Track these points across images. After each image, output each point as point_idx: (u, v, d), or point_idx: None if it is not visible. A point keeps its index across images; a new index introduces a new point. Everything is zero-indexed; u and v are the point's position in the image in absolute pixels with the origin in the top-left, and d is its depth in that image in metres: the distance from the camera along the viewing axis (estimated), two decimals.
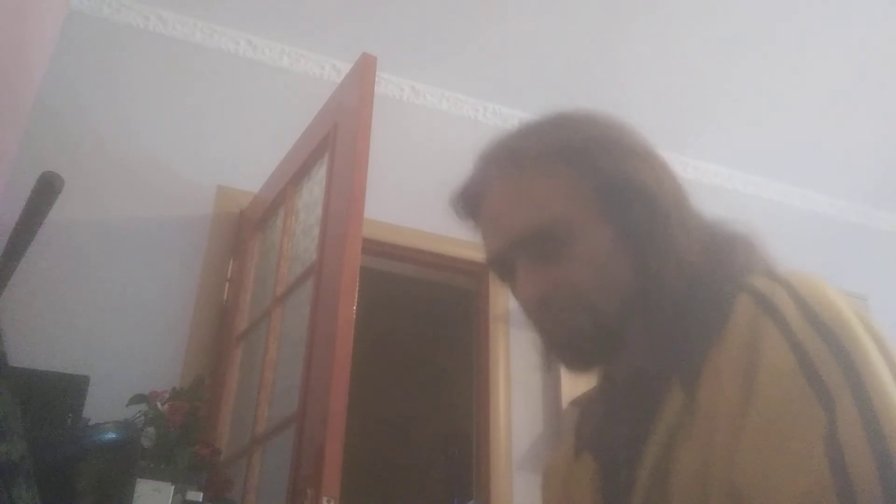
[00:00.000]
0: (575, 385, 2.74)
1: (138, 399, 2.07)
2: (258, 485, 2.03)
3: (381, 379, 4.56)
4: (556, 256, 0.75)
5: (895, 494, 0.52)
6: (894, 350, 0.62)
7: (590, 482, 0.81)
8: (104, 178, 2.59)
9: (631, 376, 0.78)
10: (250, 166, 2.72)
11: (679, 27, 2.93)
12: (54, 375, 2.09)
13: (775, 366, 0.61)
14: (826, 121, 3.38)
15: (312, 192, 2.23)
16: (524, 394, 2.87)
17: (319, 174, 2.19)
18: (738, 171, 3.71)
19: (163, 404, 2.05)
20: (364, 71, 2.04)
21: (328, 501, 1.53)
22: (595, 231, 0.75)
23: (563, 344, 0.77)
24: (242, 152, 2.81)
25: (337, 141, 2.07)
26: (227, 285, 2.60)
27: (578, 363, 0.78)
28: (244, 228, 2.67)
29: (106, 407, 2.03)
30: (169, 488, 1.85)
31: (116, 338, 2.37)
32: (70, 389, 2.08)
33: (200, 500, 1.89)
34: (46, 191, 1.01)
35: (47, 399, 2.03)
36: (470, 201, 0.83)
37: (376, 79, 2.06)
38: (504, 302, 2.92)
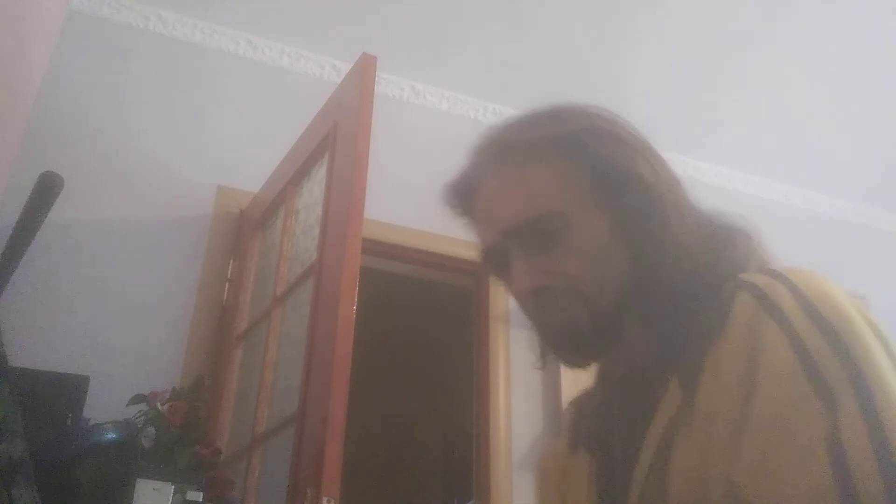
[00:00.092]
0: (575, 385, 2.71)
1: (138, 399, 2.07)
2: (258, 485, 2.03)
3: (381, 379, 4.56)
4: (551, 247, 0.74)
5: None
6: None
7: (586, 478, 0.80)
8: (104, 178, 2.59)
9: (629, 373, 0.77)
10: (250, 166, 2.72)
11: (679, 28, 2.93)
12: (54, 375, 2.09)
13: (776, 364, 0.60)
14: (826, 121, 3.38)
15: (312, 192, 2.23)
16: (524, 394, 2.86)
17: (319, 174, 2.19)
18: (738, 171, 3.71)
19: (163, 404, 2.05)
20: (364, 71, 2.04)
21: (328, 501, 1.53)
22: (590, 221, 0.74)
23: (560, 337, 0.76)
24: (242, 152, 2.81)
25: (337, 141, 2.07)
26: (227, 285, 2.60)
27: (575, 357, 0.77)
28: (244, 228, 2.67)
29: (106, 407, 2.03)
30: (169, 488, 1.85)
31: (116, 338, 2.37)
32: (70, 389, 2.08)
33: (200, 500, 1.89)
34: (46, 191, 1.01)
35: (47, 399, 2.03)
36: (463, 195, 0.82)
37: (376, 79, 2.05)
38: (504, 302, 2.92)
